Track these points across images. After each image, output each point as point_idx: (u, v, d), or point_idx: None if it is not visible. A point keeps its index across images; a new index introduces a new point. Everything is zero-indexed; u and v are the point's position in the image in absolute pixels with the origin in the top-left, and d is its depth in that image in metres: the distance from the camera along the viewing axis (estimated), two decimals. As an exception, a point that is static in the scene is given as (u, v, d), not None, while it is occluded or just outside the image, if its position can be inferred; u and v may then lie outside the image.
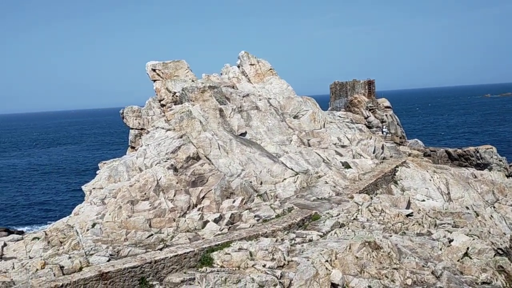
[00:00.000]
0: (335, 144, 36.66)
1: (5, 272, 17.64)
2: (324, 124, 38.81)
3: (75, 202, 49.16)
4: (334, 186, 29.72)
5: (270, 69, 41.85)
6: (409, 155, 41.33)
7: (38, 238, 20.72)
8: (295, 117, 38.29)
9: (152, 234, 21.84)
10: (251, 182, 28.24)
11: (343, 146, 36.79)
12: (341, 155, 35.12)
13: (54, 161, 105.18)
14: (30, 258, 19.24)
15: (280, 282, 17.32)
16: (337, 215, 24.49)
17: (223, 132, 31.73)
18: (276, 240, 20.67)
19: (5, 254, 20.13)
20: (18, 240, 22.48)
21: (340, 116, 43.34)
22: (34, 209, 58.95)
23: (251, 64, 41.44)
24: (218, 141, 30.53)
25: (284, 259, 18.81)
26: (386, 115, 52.18)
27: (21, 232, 39.15)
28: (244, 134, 33.40)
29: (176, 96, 34.93)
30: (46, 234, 20.93)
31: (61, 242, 20.56)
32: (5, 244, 21.06)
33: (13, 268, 18.07)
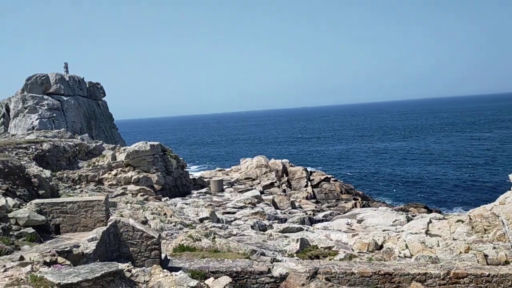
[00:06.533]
0: None
1: (431, 248, 18.69)
2: None
3: (499, 189, 47.06)
4: None
5: None
6: None
7: (462, 221, 20.79)
8: None
9: None
10: None
11: None
12: None
13: (475, 146, 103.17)
14: (454, 239, 19.56)
15: None
16: None
17: None
18: None
19: (430, 230, 21.38)
20: (440, 219, 23.46)
21: None
22: (453, 192, 60.15)
23: None
24: None
25: None
26: None
27: (439, 212, 40.86)
28: None
29: None
30: (470, 219, 20.72)
31: (485, 230, 19.85)
32: (430, 221, 22.39)
33: (438, 245, 18.89)
